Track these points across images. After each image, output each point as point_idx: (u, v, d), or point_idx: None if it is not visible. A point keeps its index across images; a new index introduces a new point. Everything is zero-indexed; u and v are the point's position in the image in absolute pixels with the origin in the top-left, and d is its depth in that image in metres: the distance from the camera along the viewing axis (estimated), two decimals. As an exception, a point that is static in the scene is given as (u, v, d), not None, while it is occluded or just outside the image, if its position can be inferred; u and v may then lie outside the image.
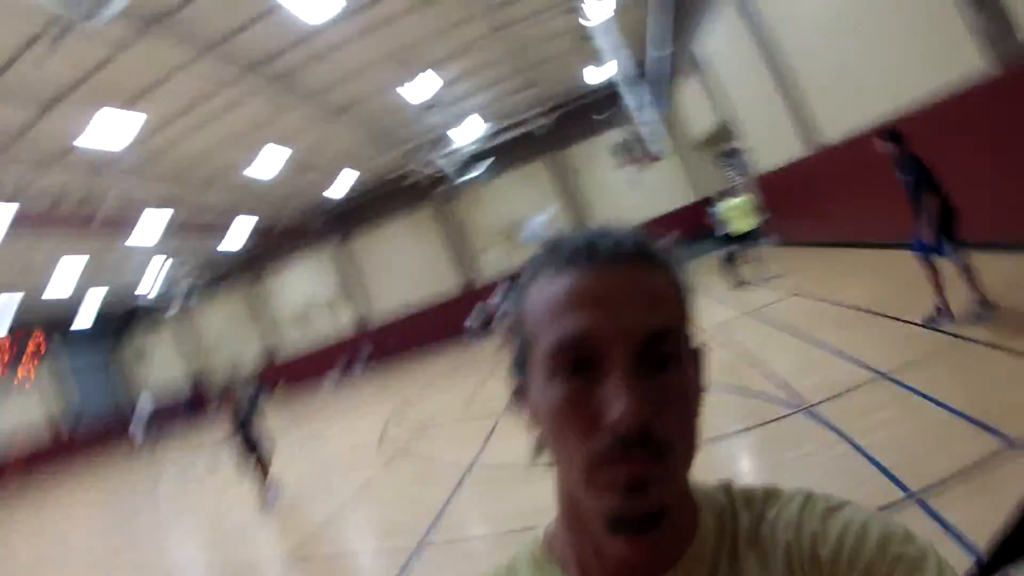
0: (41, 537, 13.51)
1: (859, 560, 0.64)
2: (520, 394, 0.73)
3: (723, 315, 10.83)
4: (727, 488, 0.77)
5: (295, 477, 9.48)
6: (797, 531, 0.69)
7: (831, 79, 10.79)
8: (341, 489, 8.15)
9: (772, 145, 14.85)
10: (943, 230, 5.91)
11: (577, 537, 0.72)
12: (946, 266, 6.00)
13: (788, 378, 6.26)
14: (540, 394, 0.66)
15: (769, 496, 0.74)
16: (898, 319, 6.62)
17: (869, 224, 11.19)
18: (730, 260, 13.62)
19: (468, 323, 18.51)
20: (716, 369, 6.34)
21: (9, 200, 15.09)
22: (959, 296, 5.90)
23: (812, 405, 5.33)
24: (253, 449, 8.90)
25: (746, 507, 0.74)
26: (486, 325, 18.33)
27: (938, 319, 6.04)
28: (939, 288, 6.05)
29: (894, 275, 8.33)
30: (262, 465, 8.86)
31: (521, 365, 0.71)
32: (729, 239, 13.77)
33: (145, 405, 24.98)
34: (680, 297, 0.69)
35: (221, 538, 7.90)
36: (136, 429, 24.41)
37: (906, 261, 6.78)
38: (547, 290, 0.67)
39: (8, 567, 11.45)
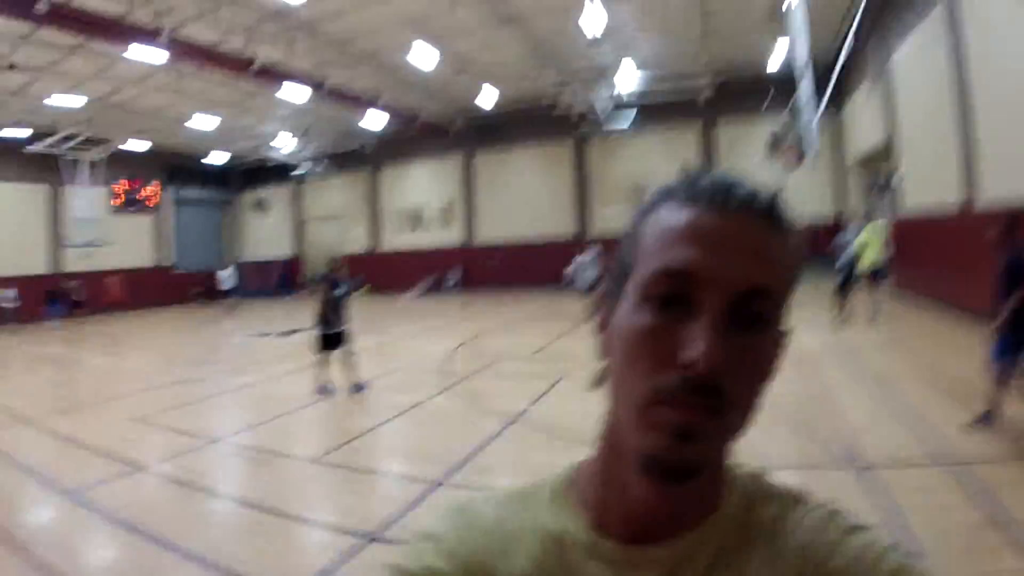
0: (116, 357, 14.83)
1: None
2: (604, 317, 0.73)
3: (815, 346, 10.44)
4: (759, 477, 0.76)
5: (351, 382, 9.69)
6: (814, 538, 0.68)
7: (1014, 132, 9.95)
8: (389, 406, 8.26)
9: (927, 183, 13.94)
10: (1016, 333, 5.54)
11: (608, 474, 0.72)
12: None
13: (856, 429, 6.03)
14: (626, 317, 0.66)
15: (796, 499, 0.74)
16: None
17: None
18: (844, 291, 12.76)
19: (566, 273, 18.37)
20: (787, 400, 6.19)
21: (168, 44, 15.79)
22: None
23: (867, 467, 5.13)
24: (333, 342, 9.16)
25: (771, 501, 0.73)
26: (572, 281, 18.03)
27: (982, 423, 5.73)
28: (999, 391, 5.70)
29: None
30: (349, 360, 9.18)
31: (616, 287, 0.71)
32: (850, 269, 13.03)
33: (228, 274, 26.96)
34: (790, 269, 0.67)
35: (263, 418, 8.13)
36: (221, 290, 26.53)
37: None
38: (668, 219, 0.67)
39: (89, 369, 12.84)
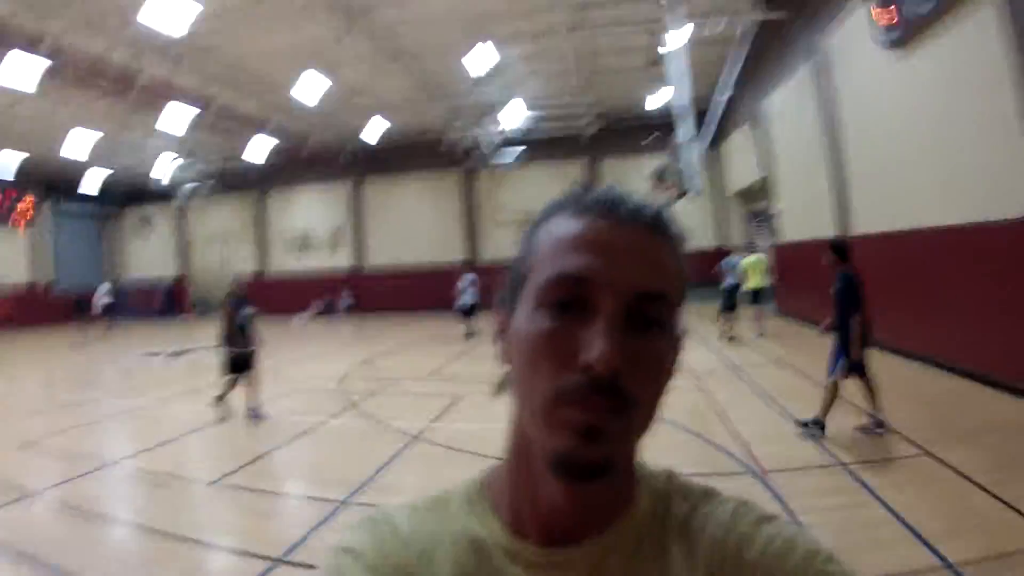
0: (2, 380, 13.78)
1: (782, 569, 0.64)
2: (502, 325, 0.74)
3: (706, 362, 10.91)
4: (669, 476, 0.78)
5: (245, 405, 9.29)
6: (727, 531, 0.69)
7: (880, 172, 10.80)
8: (287, 428, 8.05)
9: (804, 217, 14.94)
10: (844, 348, 6.33)
11: (519, 477, 0.73)
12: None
13: (750, 440, 6.31)
14: (524, 322, 0.67)
15: (707, 494, 0.75)
16: (869, 414, 6.66)
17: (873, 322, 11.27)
18: (730, 311, 13.82)
19: (457, 299, 18.52)
20: (684, 411, 6.45)
21: (51, 53, 15.01)
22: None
23: (765, 472, 5.38)
24: (241, 363, 8.80)
25: (683, 497, 0.75)
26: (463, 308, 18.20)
27: (873, 430, 6.31)
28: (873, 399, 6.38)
29: (880, 374, 8.42)
30: (252, 383, 8.83)
31: (512, 296, 0.72)
32: (733, 291, 14.08)
33: (103, 294, 25.37)
34: (680, 276, 0.70)
35: (156, 440, 7.67)
36: (96, 311, 24.96)
37: (894, 364, 6.78)
38: (560, 228, 0.69)
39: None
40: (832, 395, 6.31)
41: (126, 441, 8.13)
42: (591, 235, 0.67)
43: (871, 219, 11.29)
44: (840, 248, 6.68)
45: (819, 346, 12.05)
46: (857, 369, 6.31)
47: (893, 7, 9.36)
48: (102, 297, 25.11)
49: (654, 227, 0.69)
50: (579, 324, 0.63)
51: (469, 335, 17.30)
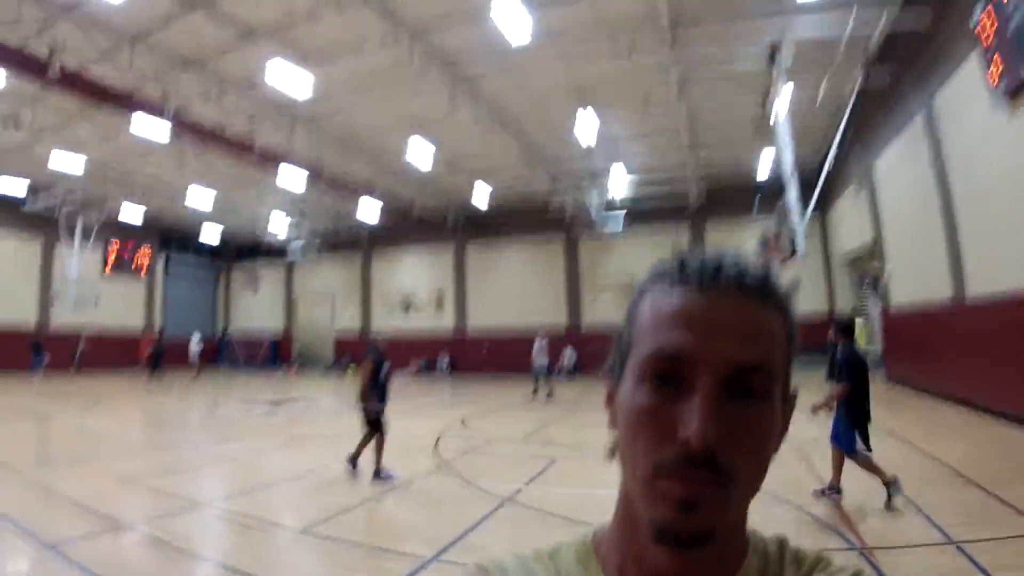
0: (100, 416, 14.62)
1: None
2: (610, 394, 0.75)
3: (809, 431, 10.43)
4: (781, 542, 0.77)
5: (340, 456, 9.52)
6: None
7: (996, 233, 10.32)
8: (379, 482, 8.10)
9: (915, 280, 14.42)
10: (856, 425, 6.47)
11: (626, 541, 0.73)
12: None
13: (852, 514, 5.97)
14: (627, 395, 0.69)
15: (820, 560, 0.74)
16: (988, 491, 6.25)
17: (990, 389, 10.74)
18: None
19: (558, 364, 18.90)
20: (785, 482, 6.20)
21: (173, 116, 16.24)
22: None
23: (865, 548, 5.07)
24: (374, 423, 8.71)
25: (794, 563, 0.74)
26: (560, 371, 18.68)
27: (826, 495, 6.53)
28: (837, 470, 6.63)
29: (1000, 446, 7.88)
30: (379, 440, 8.66)
31: (619, 365, 0.74)
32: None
33: (196, 342, 27.15)
34: (785, 341, 0.70)
35: (248, 486, 8.01)
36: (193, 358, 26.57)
37: (1017, 436, 6.37)
38: (659, 301, 0.70)
39: (71, 427, 12.85)
40: (871, 469, 6.36)
41: (220, 484, 8.39)
42: (688, 308, 0.67)
43: (987, 281, 10.77)
44: (847, 327, 7.04)
45: (930, 416, 11.57)
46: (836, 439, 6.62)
47: (1004, 63, 9.04)
48: (195, 345, 26.69)
49: (755, 293, 0.68)
50: (679, 398, 0.64)
51: (536, 393, 17.82)
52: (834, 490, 6.54)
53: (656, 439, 0.64)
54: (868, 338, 14.01)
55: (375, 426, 8.67)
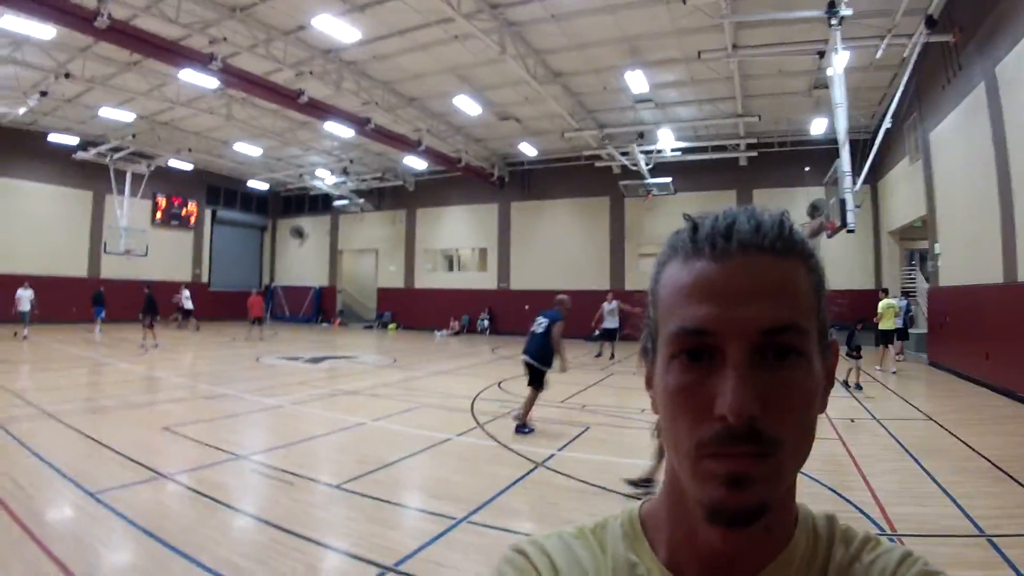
0: (146, 366, 15.03)
1: None
2: (648, 375, 0.74)
3: (850, 411, 10.34)
4: (830, 519, 0.77)
5: (379, 414, 9.78)
6: None
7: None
8: (414, 441, 8.21)
9: (966, 260, 13.94)
10: None
11: (676, 518, 0.73)
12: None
13: (884, 498, 5.92)
14: (660, 375, 0.68)
15: (869, 540, 0.74)
16: (1024, 485, 6.12)
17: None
18: (855, 353, 12.94)
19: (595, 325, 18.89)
20: (821, 460, 6.14)
21: (221, 70, 16.35)
22: None
23: (896, 535, 5.02)
24: (539, 380, 9.03)
25: (843, 542, 0.74)
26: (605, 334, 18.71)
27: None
28: None
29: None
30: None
31: (651, 345, 0.73)
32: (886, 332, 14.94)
33: (184, 296, 26.92)
34: (812, 290, 0.69)
35: (287, 440, 8.16)
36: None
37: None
38: (676, 275, 0.69)
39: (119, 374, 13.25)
40: None
41: (259, 437, 8.61)
42: (704, 280, 0.66)
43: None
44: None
45: (971, 404, 11.33)
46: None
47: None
48: (184, 299, 26.60)
49: (771, 247, 0.67)
50: (711, 373, 0.63)
51: (600, 356, 17.95)
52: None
53: (695, 417, 0.63)
54: (895, 317, 14.10)
55: (539, 383, 8.95)
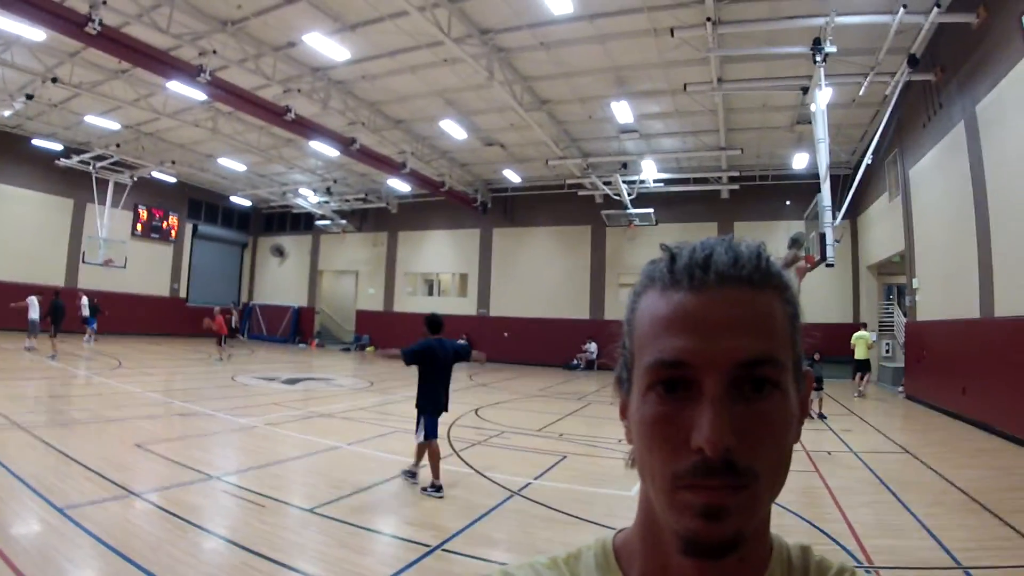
0: (122, 379, 14.86)
1: None
2: (622, 404, 0.73)
3: (826, 444, 10.37)
4: (805, 550, 0.76)
5: (354, 438, 9.72)
6: None
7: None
8: (392, 466, 8.02)
9: (943, 295, 14.16)
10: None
11: (649, 550, 0.72)
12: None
13: (860, 530, 5.91)
14: (636, 406, 0.67)
15: (844, 571, 0.74)
16: (999, 517, 6.17)
17: (1009, 414, 10.65)
18: (815, 384, 13.11)
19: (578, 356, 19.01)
20: (797, 492, 6.12)
21: (208, 84, 16.36)
22: None
23: (873, 567, 5.01)
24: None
25: (818, 573, 0.74)
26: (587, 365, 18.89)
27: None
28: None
29: (1014, 473, 7.79)
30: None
31: (626, 376, 0.72)
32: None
33: (84, 304, 25.18)
34: (787, 321, 0.68)
35: (260, 461, 8.03)
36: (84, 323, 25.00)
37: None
38: (653, 306, 0.68)
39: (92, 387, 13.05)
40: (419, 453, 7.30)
41: (232, 457, 8.46)
42: (682, 312, 0.65)
43: (1016, 303, 10.56)
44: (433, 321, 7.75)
45: (947, 437, 11.43)
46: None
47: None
48: (83, 307, 24.83)
49: (748, 279, 0.66)
50: (687, 405, 0.63)
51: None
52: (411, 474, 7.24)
53: (671, 449, 0.62)
54: (868, 349, 14.51)
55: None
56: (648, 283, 0.71)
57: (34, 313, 19.47)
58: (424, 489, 6.85)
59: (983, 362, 11.64)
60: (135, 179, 27.34)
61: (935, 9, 12.12)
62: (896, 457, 9.71)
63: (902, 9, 11.95)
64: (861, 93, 15.06)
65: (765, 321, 0.65)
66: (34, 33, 14.96)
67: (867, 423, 13.02)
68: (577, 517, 6.20)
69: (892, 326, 21.36)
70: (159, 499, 6.03)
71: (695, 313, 0.65)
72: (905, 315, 18.19)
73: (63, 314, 19.66)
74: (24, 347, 18.99)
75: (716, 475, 0.60)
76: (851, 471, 8.70)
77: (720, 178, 25.07)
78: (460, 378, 20.86)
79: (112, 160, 25.71)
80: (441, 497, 6.66)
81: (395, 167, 23.77)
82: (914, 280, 16.23)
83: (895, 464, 9.22)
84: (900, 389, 17.18)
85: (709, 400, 0.61)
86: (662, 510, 0.65)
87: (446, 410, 7.47)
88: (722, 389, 0.62)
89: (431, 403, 7.22)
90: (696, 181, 25.43)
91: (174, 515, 5.58)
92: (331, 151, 22.05)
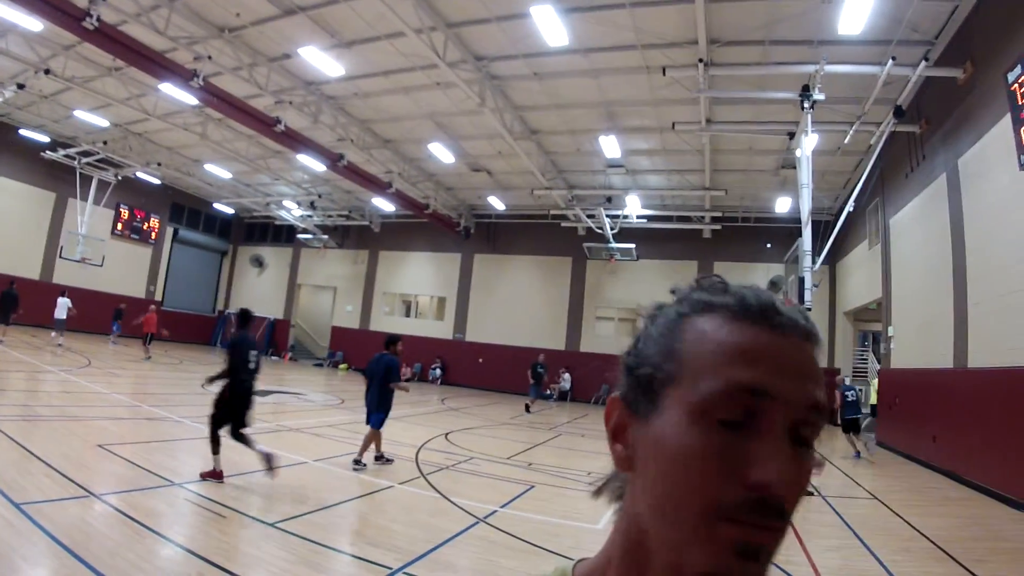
0: (90, 380, 14.57)
1: None
2: (621, 427, 0.70)
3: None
4: None
5: (322, 454, 9.65)
6: None
7: (1005, 308, 10.18)
8: (358, 485, 8.09)
9: (918, 344, 14.30)
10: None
11: None
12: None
13: (826, 575, 5.89)
14: (675, 432, 0.62)
15: None
16: (963, 566, 6.20)
17: (976, 464, 10.76)
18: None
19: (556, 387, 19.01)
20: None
21: (200, 90, 16.35)
22: None
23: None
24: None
25: None
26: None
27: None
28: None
29: (980, 522, 7.82)
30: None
31: (643, 396, 0.67)
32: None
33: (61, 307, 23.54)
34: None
35: (226, 471, 7.77)
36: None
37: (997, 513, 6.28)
38: (720, 332, 0.65)
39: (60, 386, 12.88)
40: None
41: (196, 465, 8.24)
42: (764, 344, 0.63)
43: (988, 355, 10.66)
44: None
45: (915, 485, 11.50)
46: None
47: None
48: (60, 309, 22.99)
49: (809, 337, 0.66)
50: (743, 436, 0.60)
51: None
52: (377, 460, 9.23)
53: (718, 480, 0.59)
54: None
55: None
56: (705, 308, 0.68)
57: None
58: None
59: (954, 412, 11.74)
60: (119, 178, 27.15)
61: (923, 63, 12.37)
62: (865, 503, 9.74)
63: (891, 61, 12.18)
64: (846, 141, 15.27)
65: (822, 378, 0.65)
66: (31, 23, 14.90)
67: (836, 467, 13.06)
68: (542, 548, 6.13)
69: (866, 372, 21.52)
70: (119, 502, 5.91)
71: (778, 349, 0.63)
72: (879, 362, 18.32)
73: (15, 304, 19.52)
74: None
75: (770, 515, 0.58)
76: (820, 515, 8.67)
77: (703, 217, 25.25)
78: (431, 401, 20.79)
79: (98, 157, 25.47)
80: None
81: (381, 186, 23.74)
82: (890, 328, 16.37)
83: (864, 510, 9.24)
84: (872, 436, 17.25)
85: (778, 436, 0.60)
86: (685, 543, 0.60)
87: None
88: (789, 429, 0.61)
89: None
90: (679, 219, 25.64)
91: (133, 519, 5.47)
92: (318, 165, 22.04)
